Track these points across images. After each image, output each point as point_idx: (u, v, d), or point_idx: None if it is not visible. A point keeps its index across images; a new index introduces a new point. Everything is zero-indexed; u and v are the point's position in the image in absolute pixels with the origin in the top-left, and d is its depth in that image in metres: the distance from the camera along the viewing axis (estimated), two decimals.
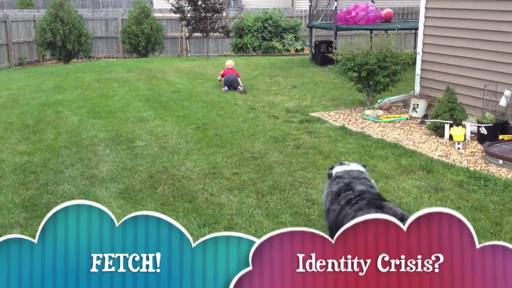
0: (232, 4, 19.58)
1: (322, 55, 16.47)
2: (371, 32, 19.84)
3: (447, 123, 7.60)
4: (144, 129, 8.86)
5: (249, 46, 23.81)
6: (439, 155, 7.06)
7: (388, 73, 9.00)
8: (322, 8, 17.20)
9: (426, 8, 9.01)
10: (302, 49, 23.84)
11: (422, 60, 9.20)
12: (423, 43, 9.14)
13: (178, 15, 20.20)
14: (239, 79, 12.58)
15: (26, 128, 9.21)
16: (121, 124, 9.29)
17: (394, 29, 17.20)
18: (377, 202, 3.48)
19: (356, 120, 9.14)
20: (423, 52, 9.17)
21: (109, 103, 11.17)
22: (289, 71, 15.57)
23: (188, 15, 19.86)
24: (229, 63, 13.51)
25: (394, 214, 3.07)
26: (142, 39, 24.18)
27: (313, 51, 17.14)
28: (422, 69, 9.22)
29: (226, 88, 12.43)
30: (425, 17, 9.03)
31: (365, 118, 9.05)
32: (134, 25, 24.25)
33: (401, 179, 6.20)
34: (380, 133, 8.22)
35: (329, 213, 3.75)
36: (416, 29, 17.52)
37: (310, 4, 17.68)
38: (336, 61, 9.37)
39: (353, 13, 15.66)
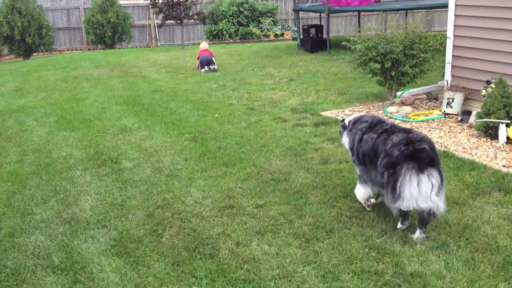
0: None
1: (312, 40, 15.07)
2: (359, 15, 18.56)
3: (502, 122, 6.27)
4: (128, 143, 7.30)
5: (225, 32, 22.17)
6: (503, 165, 5.72)
7: (416, 62, 7.61)
8: None
9: None
10: (282, 34, 22.34)
11: (453, 46, 7.83)
12: (455, 26, 7.76)
13: (148, 1, 18.41)
14: (213, 59, 13.17)
15: None
16: (100, 136, 7.69)
17: (396, 10, 16.02)
18: (406, 129, 4.58)
19: None
20: (454, 36, 7.79)
21: (82, 108, 9.51)
22: (278, 60, 14.08)
23: (160, 1, 18.10)
24: (203, 44, 13.87)
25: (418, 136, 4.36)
26: (108, 29, 22.34)
27: (301, 36, 15.65)
28: (454, 56, 7.86)
29: (206, 68, 12.76)
30: None
31: (390, 117, 7.66)
32: (98, 14, 22.38)
33: (476, 205, 4.83)
34: None
35: (363, 143, 4.63)
36: (431, 8, 16.34)
37: None
38: (353, 49, 7.88)
39: None
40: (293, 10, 16.34)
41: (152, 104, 9.51)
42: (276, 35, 22.17)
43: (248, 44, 19.48)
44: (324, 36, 15.21)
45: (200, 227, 4.71)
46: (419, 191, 4.06)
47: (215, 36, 22.45)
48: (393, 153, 4.21)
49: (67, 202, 5.43)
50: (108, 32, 22.40)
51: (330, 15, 14.52)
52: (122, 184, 5.81)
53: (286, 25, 23.40)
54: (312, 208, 4.92)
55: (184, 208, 5.11)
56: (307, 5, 15.51)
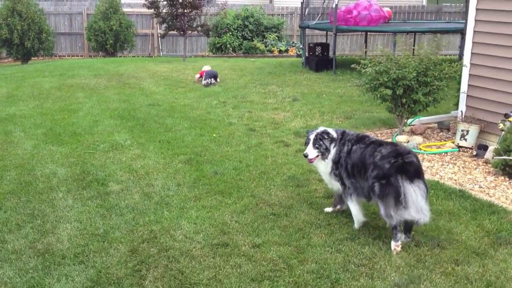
0: (206, 1, 17.39)
1: (318, 59, 14.60)
2: (366, 35, 18.14)
3: None
4: (118, 162, 6.79)
5: (228, 46, 21.76)
6: None
7: (430, 90, 7.13)
8: (317, 6, 15.30)
9: (477, 9, 7.16)
10: (287, 50, 21.93)
11: (470, 75, 7.36)
12: (472, 53, 7.29)
13: (152, 10, 17.98)
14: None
15: None
16: (88, 153, 7.18)
17: (406, 32, 15.60)
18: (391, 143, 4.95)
19: None
20: (471, 64, 7.32)
21: (73, 120, 9.01)
22: (281, 77, 13.61)
23: (164, 11, 17.68)
24: (206, 68, 13.32)
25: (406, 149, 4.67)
26: (110, 37, 21.92)
27: (307, 54, 15.21)
28: (469, 86, 7.38)
29: (208, 80, 12.37)
30: (476, 21, 7.18)
31: None
32: (101, 21, 21.96)
33: (499, 257, 4.32)
34: (429, 171, 6.35)
35: (350, 155, 4.74)
36: (443, 32, 15.91)
37: (302, 1, 15.74)
38: (362, 72, 7.40)
39: (354, 13, 13.79)
40: (299, 27, 15.89)
41: (148, 120, 9.02)
42: (280, 51, 21.76)
43: (252, 59, 19.04)
44: (330, 55, 14.77)
45: (189, 268, 4.18)
46: (413, 202, 4.31)
47: (218, 49, 22.03)
48: (383, 165, 4.42)
49: (44, 229, 4.91)
50: (110, 39, 21.97)
51: (329, 33, 14.06)
52: (107, 211, 5.30)
53: (291, 41, 23.00)
54: (316, 251, 4.40)
55: (173, 243, 4.59)
56: (314, 22, 15.06)
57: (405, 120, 7.69)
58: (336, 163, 4.89)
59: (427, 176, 6.15)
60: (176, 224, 4.96)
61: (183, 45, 24.48)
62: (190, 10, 17.62)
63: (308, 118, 9.18)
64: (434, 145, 7.28)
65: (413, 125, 7.95)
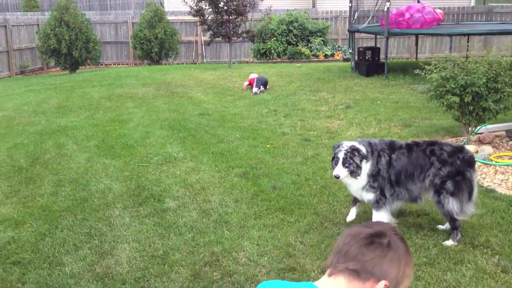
0: (251, 7, 17.13)
1: (368, 63, 14.19)
2: (416, 37, 17.60)
3: None
4: (173, 176, 6.60)
5: (273, 51, 21.54)
6: None
7: (500, 97, 6.67)
8: (367, 9, 14.89)
9: None
10: (332, 55, 21.54)
11: None
12: None
13: (197, 18, 17.90)
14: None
15: (17, 173, 6.98)
16: (142, 167, 7.03)
17: (463, 34, 15.05)
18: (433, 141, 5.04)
19: None
20: None
21: (125, 131, 8.91)
22: (331, 83, 13.25)
23: (209, 18, 17.56)
24: (254, 75, 13.01)
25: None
26: (155, 45, 22.03)
27: (356, 58, 14.80)
28: None
29: (260, 88, 12.18)
30: None
31: None
32: (146, 29, 22.10)
33: None
34: (504, 184, 5.90)
35: (393, 164, 4.68)
36: (501, 34, 15.27)
37: (350, 5, 15.35)
38: (428, 79, 6.98)
39: (407, 15, 13.31)
40: (348, 31, 15.48)
41: (199, 130, 8.83)
42: (326, 56, 21.38)
43: (298, 65, 18.74)
44: (381, 59, 14.33)
45: None
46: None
47: (262, 55, 21.83)
48: (455, 162, 4.53)
49: (102, 250, 4.73)
50: (155, 47, 22.07)
51: (384, 37, 13.60)
52: (165, 230, 5.09)
53: (337, 45, 22.58)
54: None
55: (236, 267, 4.33)
56: (364, 26, 14.65)
57: (473, 129, 7.24)
58: (373, 176, 4.72)
59: (502, 190, 5.73)
60: (238, 245, 4.70)
61: (226, 52, 24.47)
62: (235, 17, 17.46)
63: (364, 126, 8.82)
64: (505, 155, 6.81)
65: (480, 133, 7.49)
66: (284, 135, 8.45)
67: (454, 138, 7.82)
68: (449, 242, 4.51)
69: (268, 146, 7.79)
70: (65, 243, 4.88)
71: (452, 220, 4.55)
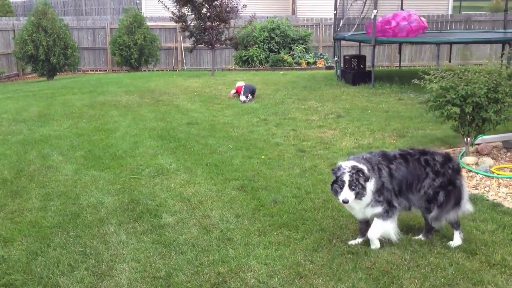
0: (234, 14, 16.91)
1: (354, 72, 14.10)
2: (400, 46, 17.60)
3: None
4: (167, 189, 6.33)
5: (255, 59, 21.39)
6: None
7: (500, 108, 6.58)
8: (352, 16, 14.82)
9: None
10: (315, 62, 21.48)
11: None
12: None
13: (179, 24, 17.64)
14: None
15: (2, 186, 6.63)
16: (134, 179, 6.74)
17: (450, 43, 15.04)
18: (424, 150, 4.92)
19: None
20: None
21: (112, 141, 8.59)
22: (318, 92, 13.12)
23: (191, 24, 17.32)
24: (241, 83, 12.69)
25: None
26: (135, 51, 21.74)
27: (342, 67, 14.71)
28: None
29: (248, 96, 11.98)
30: None
31: (470, 170, 6.61)
32: (125, 35, 21.78)
33: None
34: (510, 198, 5.79)
35: (393, 175, 4.60)
36: (491, 42, 15.32)
37: (335, 12, 15.27)
38: (429, 89, 6.83)
39: (393, 23, 13.28)
40: (334, 39, 15.38)
41: (189, 140, 8.57)
42: (308, 63, 21.32)
43: (281, 72, 18.60)
44: (367, 67, 14.26)
45: None
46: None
47: (244, 62, 21.66)
48: (447, 172, 4.63)
49: (100, 271, 4.44)
50: (135, 54, 21.76)
51: (370, 45, 13.52)
52: (165, 248, 4.82)
53: (319, 53, 22.53)
54: None
55: None
56: (350, 33, 14.58)
57: (472, 140, 7.13)
58: (379, 190, 4.57)
59: (509, 204, 5.61)
60: (244, 265, 4.46)
61: (206, 59, 24.27)
62: (218, 23, 17.26)
63: (358, 136, 8.67)
64: (506, 167, 6.71)
65: (477, 144, 7.40)
66: (277, 145, 8.25)
67: (451, 149, 7.71)
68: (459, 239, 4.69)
69: (263, 157, 7.58)
70: (59, 263, 4.58)
71: (428, 225, 4.79)
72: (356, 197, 4.43)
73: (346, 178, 4.38)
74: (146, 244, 4.90)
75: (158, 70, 23.06)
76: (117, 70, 23.78)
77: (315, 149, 8.01)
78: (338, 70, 14.96)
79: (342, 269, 4.34)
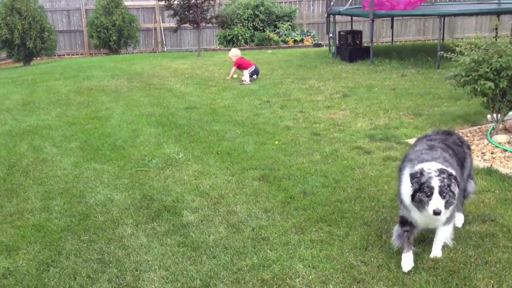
0: None
1: (351, 48, 13.57)
2: (392, 20, 17.08)
3: None
4: (181, 182, 5.74)
5: (240, 37, 20.69)
6: None
7: None
8: None
9: None
10: (302, 40, 20.88)
11: None
12: None
13: (162, 2, 16.83)
14: None
15: None
16: (141, 172, 6.13)
17: (453, 15, 14.42)
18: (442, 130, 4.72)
19: (487, 151, 6.23)
20: None
21: (108, 130, 7.94)
22: (315, 70, 12.58)
23: (175, 3, 16.53)
24: (238, 52, 12.13)
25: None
26: (113, 33, 20.83)
27: (337, 43, 14.15)
28: None
29: (253, 77, 11.50)
30: None
31: (505, 149, 6.16)
32: (102, 16, 20.85)
33: None
34: None
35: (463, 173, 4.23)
36: (493, 13, 14.80)
37: None
38: (461, 63, 6.31)
39: None
40: (328, 14, 14.78)
41: (192, 126, 7.96)
42: (295, 41, 20.71)
43: (269, 51, 17.98)
44: (364, 43, 13.75)
45: None
46: None
47: (229, 42, 20.95)
48: (469, 149, 4.57)
49: (125, 283, 3.86)
50: (114, 36, 20.87)
51: (363, 19, 12.99)
52: (194, 252, 4.25)
53: (305, 31, 21.90)
54: None
55: None
56: (345, 8, 14.01)
57: (503, 116, 6.67)
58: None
59: None
60: (290, 269, 3.92)
61: (187, 39, 23.43)
62: (202, 0, 16.51)
63: (372, 116, 8.16)
64: None
65: (506, 122, 6.96)
66: (288, 129, 7.69)
67: (475, 127, 7.27)
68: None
69: (276, 142, 7.02)
70: (76, 275, 3.98)
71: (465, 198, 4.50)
72: (446, 205, 3.63)
73: (436, 183, 3.58)
74: (172, 248, 4.33)
75: (138, 53, 22.19)
76: (95, 54, 22.85)
77: (329, 131, 7.48)
78: (333, 47, 14.40)
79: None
